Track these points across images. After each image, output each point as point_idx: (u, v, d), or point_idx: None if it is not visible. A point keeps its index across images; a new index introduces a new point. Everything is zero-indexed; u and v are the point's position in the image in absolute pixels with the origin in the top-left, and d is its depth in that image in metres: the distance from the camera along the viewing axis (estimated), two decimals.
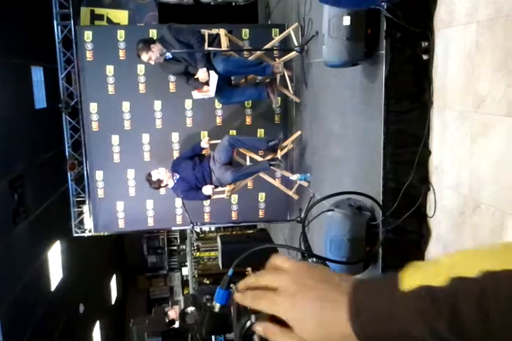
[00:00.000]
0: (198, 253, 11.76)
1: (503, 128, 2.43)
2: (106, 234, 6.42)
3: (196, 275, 11.83)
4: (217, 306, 1.43)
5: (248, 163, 5.39)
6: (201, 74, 4.74)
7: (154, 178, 5.13)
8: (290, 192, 5.53)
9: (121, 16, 6.19)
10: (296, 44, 5.01)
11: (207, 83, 4.83)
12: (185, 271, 14.76)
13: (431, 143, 3.01)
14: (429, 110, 2.96)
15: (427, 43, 2.82)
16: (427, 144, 3.01)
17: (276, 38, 5.27)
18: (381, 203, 3.16)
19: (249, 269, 8.26)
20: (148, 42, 4.76)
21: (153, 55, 4.72)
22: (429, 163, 3.04)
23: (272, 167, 5.20)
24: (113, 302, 13.17)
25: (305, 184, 5.23)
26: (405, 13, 2.80)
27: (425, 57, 2.92)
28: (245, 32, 5.57)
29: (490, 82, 2.48)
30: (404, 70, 2.96)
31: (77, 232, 6.25)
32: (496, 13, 2.37)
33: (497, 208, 2.50)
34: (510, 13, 2.29)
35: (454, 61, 2.74)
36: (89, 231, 6.14)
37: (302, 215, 4.98)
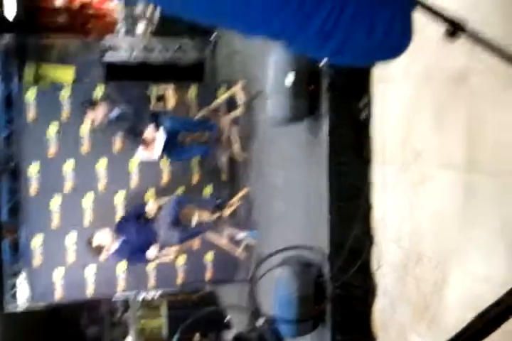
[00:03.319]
0: (142, 322, 11.18)
1: (439, 181, 2.51)
2: (42, 306, 5.94)
3: None
4: None
5: (195, 222, 5.29)
6: (149, 131, 4.73)
7: (94, 244, 4.90)
8: (238, 251, 5.42)
9: (66, 73, 6.18)
10: (242, 101, 5.12)
11: (154, 140, 4.82)
12: None
13: (373, 197, 3.07)
14: (370, 164, 3.05)
15: (366, 100, 2.96)
16: (368, 198, 3.06)
17: (223, 96, 5.38)
18: (328, 257, 3.14)
19: (197, 335, 7.89)
20: (93, 102, 4.76)
21: (98, 114, 4.70)
22: (370, 217, 3.08)
23: (219, 226, 5.12)
24: None
25: (252, 241, 5.16)
26: (344, 71, 2.93)
27: (363, 115, 3.04)
28: (192, 90, 5.64)
29: (425, 137, 2.59)
30: (345, 125, 3.07)
31: (9, 307, 5.77)
32: (430, 71, 2.53)
33: (438, 260, 2.53)
34: (442, 71, 2.44)
35: (392, 116, 2.87)
36: (23, 305, 5.68)
37: (250, 274, 4.87)
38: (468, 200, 2.31)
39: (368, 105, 2.97)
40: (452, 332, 1.25)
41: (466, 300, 2.31)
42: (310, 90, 3.20)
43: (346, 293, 3.16)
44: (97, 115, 4.70)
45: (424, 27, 2.43)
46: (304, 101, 3.23)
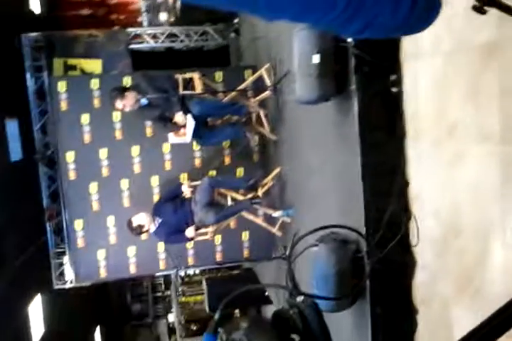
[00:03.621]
0: (183, 299, 11.51)
1: (474, 154, 2.50)
2: (88, 284, 6.25)
3: (183, 322, 11.51)
4: None
5: (230, 202, 5.38)
6: (178, 117, 4.79)
7: (135, 224, 5.07)
8: (274, 230, 5.50)
9: (94, 65, 6.27)
10: (269, 83, 5.12)
11: (184, 126, 4.88)
12: (171, 317, 14.35)
13: (409, 172, 3.07)
14: (403, 141, 3.03)
15: (395, 76, 2.93)
16: (404, 174, 3.06)
17: (249, 79, 5.39)
18: (365, 235, 3.17)
19: (236, 311, 8.09)
20: (121, 90, 4.82)
21: (127, 102, 4.77)
22: (408, 193, 3.08)
23: (253, 205, 5.19)
24: None
25: (288, 220, 5.22)
26: (372, 48, 2.90)
27: (394, 89, 3.02)
28: (218, 75, 5.67)
29: (460, 109, 2.57)
30: (375, 104, 3.04)
31: (58, 284, 6.07)
32: (459, 43, 2.49)
33: (478, 233, 2.53)
34: (471, 45, 2.40)
35: (423, 92, 2.84)
36: (71, 282, 5.97)
37: (287, 252, 4.95)
38: (505, 172, 2.30)
39: (398, 81, 2.94)
40: (497, 305, 1.25)
41: (509, 271, 2.32)
42: (337, 69, 3.18)
43: (385, 268, 3.19)
44: (126, 102, 4.77)
45: (447, 2, 2.38)
46: (331, 80, 3.22)
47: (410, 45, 2.87)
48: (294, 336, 1.36)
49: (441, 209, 2.80)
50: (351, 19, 1.14)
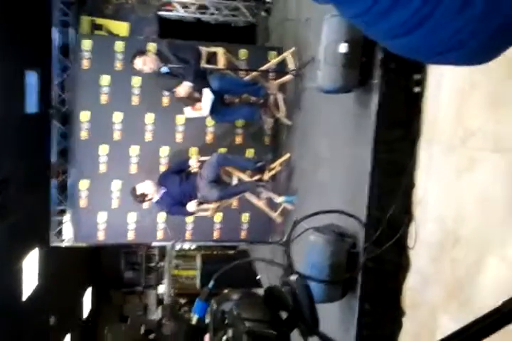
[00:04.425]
0: (176, 271, 11.62)
1: (489, 164, 2.45)
2: (84, 245, 6.31)
3: (172, 295, 11.65)
4: (194, 318, 1.40)
5: (235, 182, 5.37)
6: (183, 87, 4.74)
7: (139, 192, 5.09)
8: (274, 215, 5.50)
9: (121, 28, 6.23)
10: (292, 68, 5.05)
11: (199, 100, 4.84)
12: (161, 289, 14.53)
13: (417, 174, 3.03)
14: (417, 141, 2.99)
15: (419, 76, 2.86)
16: (412, 175, 3.02)
17: (273, 61, 5.31)
18: (364, 226, 3.16)
19: (226, 291, 8.17)
20: (144, 51, 4.80)
21: (147, 59, 4.73)
22: (412, 195, 3.05)
23: (258, 188, 5.18)
24: (85, 315, 12.89)
25: (290, 207, 5.21)
26: None
27: (417, 89, 2.96)
28: (243, 52, 5.60)
29: (479, 117, 2.51)
30: (395, 100, 2.99)
31: (55, 241, 6.13)
32: None
33: (477, 244, 2.50)
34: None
35: (446, 95, 2.78)
36: (68, 242, 6.03)
37: (286, 235, 4.96)
38: None
39: (421, 81, 2.88)
40: None
41: (500, 286, 2.30)
42: (362, 61, 3.12)
43: (378, 266, 3.18)
44: (147, 61, 4.73)
45: None
46: (355, 72, 3.16)
47: None
48: (282, 313, 1.37)
49: (443, 216, 2.77)
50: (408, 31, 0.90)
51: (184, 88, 4.75)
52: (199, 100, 4.83)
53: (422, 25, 0.88)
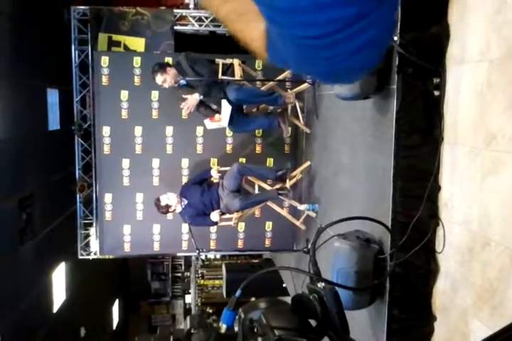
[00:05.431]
0: (202, 281, 11.65)
1: None
2: (111, 257, 6.40)
3: (199, 304, 11.68)
4: (223, 327, 1.40)
5: (257, 191, 5.39)
6: (191, 98, 4.79)
7: (163, 203, 5.15)
8: (297, 222, 5.49)
9: (137, 44, 6.32)
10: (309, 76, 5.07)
11: (218, 112, 4.89)
12: (188, 298, 14.58)
13: (441, 178, 3.01)
14: (440, 145, 2.97)
15: (438, 80, 2.85)
16: (436, 179, 3.00)
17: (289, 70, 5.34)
18: (390, 236, 3.14)
19: (253, 299, 8.16)
20: (164, 66, 4.86)
21: (168, 77, 4.80)
22: (438, 199, 3.02)
23: (280, 196, 5.19)
24: (114, 327, 13.00)
25: (313, 214, 5.20)
26: (418, 49, 2.84)
27: (436, 93, 2.94)
28: (258, 63, 5.65)
29: (501, 119, 2.49)
30: (415, 105, 2.97)
31: (82, 255, 6.23)
32: (508, 52, 2.40)
33: (506, 246, 2.47)
34: None
35: (466, 98, 2.76)
36: (95, 254, 6.12)
37: (310, 242, 4.95)
38: None
39: (440, 85, 2.87)
40: None
41: None
42: (380, 67, 3.12)
43: (407, 271, 3.15)
44: (167, 77, 4.79)
45: (501, 9, 2.30)
46: (373, 78, 3.15)
47: (457, 50, 2.79)
48: (311, 321, 1.37)
49: (471, 219, 2.74)
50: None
51: (192, 100, 4.80)
52: (218, 112, 4.88)
53: None
